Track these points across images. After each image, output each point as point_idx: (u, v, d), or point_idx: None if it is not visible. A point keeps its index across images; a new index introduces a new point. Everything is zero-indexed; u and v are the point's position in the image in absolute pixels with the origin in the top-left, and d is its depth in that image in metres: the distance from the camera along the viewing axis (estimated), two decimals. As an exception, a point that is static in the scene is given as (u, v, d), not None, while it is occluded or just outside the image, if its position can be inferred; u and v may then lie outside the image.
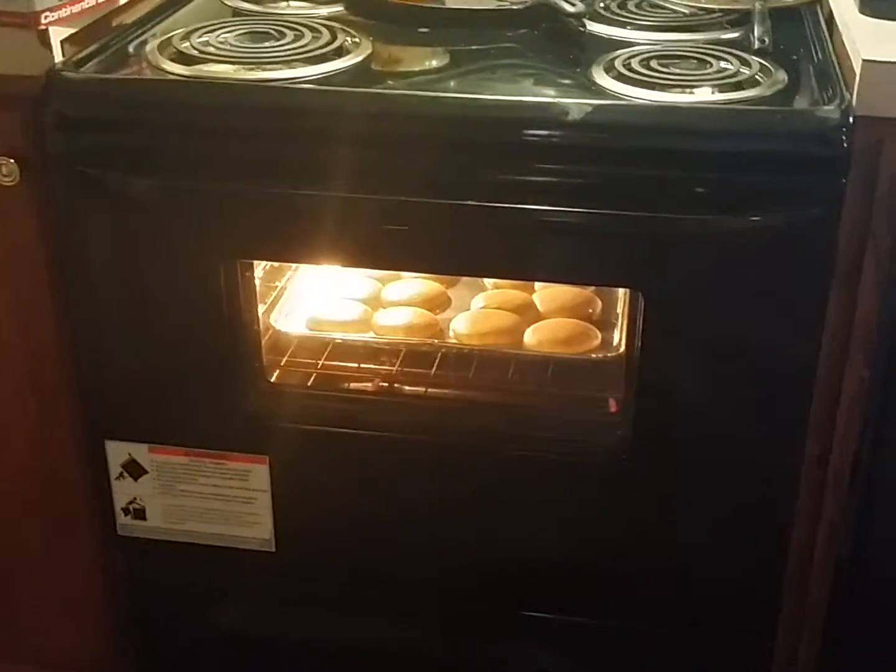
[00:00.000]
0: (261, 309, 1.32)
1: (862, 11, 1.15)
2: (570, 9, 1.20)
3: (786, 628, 1.28)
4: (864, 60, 1.02)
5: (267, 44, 1.17)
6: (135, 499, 1.28)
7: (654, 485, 1.18)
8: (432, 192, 1.05)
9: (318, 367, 1.32)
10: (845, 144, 0.99)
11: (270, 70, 1.11)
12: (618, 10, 1.27)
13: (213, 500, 1.26)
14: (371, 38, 1.20)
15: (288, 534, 1.27)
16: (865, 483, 1.19)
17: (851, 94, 1.03)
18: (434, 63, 1.21)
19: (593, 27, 1.23)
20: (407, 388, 1.32)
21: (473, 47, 1.22)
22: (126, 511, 1.29)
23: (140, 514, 1.29)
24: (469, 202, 1.04)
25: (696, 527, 1.20)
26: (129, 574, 1.36)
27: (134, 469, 1.26)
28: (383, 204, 1.07)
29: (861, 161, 1.04)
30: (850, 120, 1.00)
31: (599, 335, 1.33)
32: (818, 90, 1.06)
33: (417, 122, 1.06)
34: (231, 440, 1.23)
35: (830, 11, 1.23)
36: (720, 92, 1.06)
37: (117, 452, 1.25)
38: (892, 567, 1.21)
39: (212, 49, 1.15)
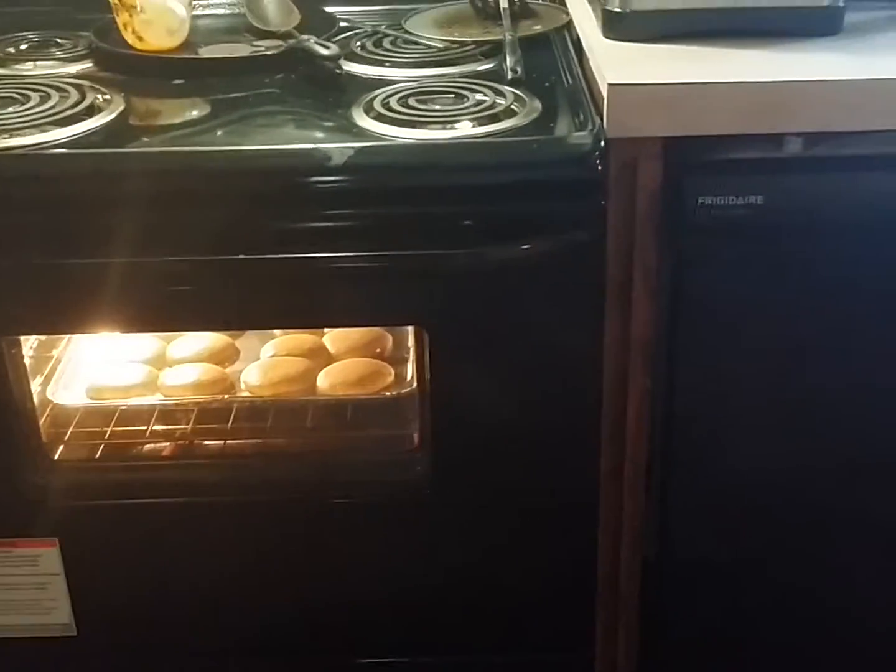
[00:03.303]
0: (37, 382, 1.26)
1: (605, 35, 1.19)
2: (324, 52, 1.20)
3: (602, 638, 1.31)
4: (609, 84, 1.05)
5: (11, 109, 1.11)
6: (-83, 600, 1.20)
7: (459, 514, 1.19)
8: (208, 249, 1.02)
9: (105, 437, 1.27)
10: (600, 167, 1.02)
11: (19, 136, 1.06)
12: (374, 49, 1.28)
13: (3, 590, 1.19)
14: (123, 94, 1.16)
15: (89, 615, 1.21)
16: (659, 488, 1.23)
17: (602, 118, 1.06)
18: (193, 114, 1.18)
19: (351, 67, 1.23)
20: (203, 448, 1.28)
21: (232, 95, 1.19)
22: None
23: (-75, 614, 1.20)
24: (246, 255, 1.02)
25: (505, 550, 1.21)
26: (-79, 681, 1.27)
27: (-88, 569, 1.18)
28: (160, 266, 1.03)
29: (619, 181, 1.08)
30: (602, 143, 1.03)
31: (392, 372, 1.33)
32: (572, 116, 1.09)
33: (179, 179, 1.04)
34: (16, 525, 1.16)
35: (578, 37, 1.27)
36: (479, 125, 1.07)
37: None
38: (695, 566, 1.26)
39: (-48, 119, 1.09)
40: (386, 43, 1.30)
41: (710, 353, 1.14)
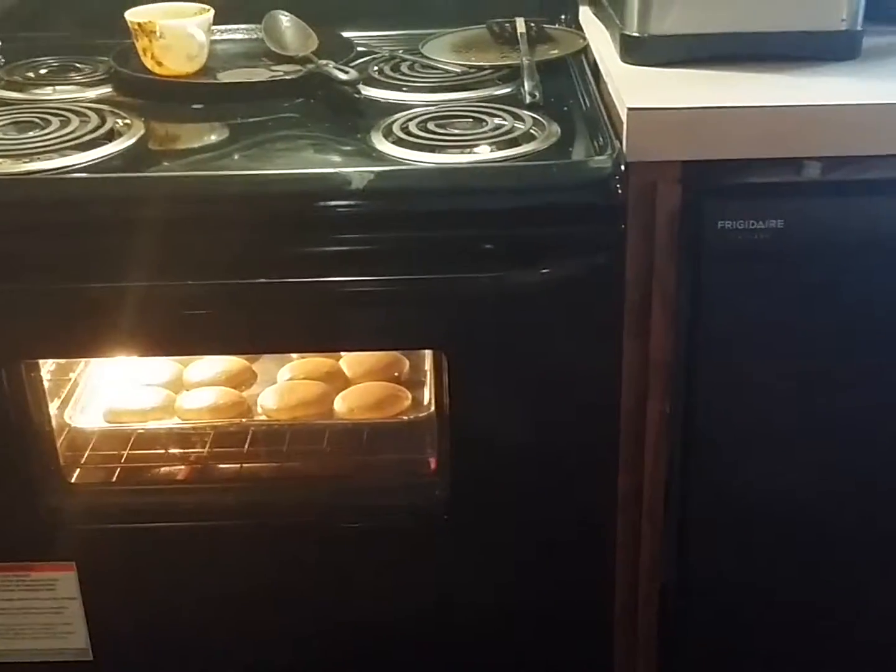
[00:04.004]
0: (54, 405, 1.26)
1: (623, 59, 1.20)
2: (343, 76, 1.20)
3: (621, 663, 1.30)
4: (629, 109, 1.06)
5: (32, 133, 1.12)
6: (-67, 624, 1.19)
7: (477, 538, 1.18)
8: (224, 274, 1.03)
9: (122, 460, 1.26)
10: (620, 191, 1.02)
11: (40, 161, 1.07)
12: (392, 74, 1.28)
13: (20, 614, 1.19)
14: (143, 119, 1.17)
15: (105, 640, 1.21)
16: (678, 511, 1.22)
17: (622, 142, 1.06)
18: (213, 139, 1.19)
19: (369, 92, 1.24)
20: (219, 472, 1.28)
21: (251, 120, 1.20)
22: (-76, 639, 1.20)
23: (-60, 639, 1.20)
24: (265, 279, 1.03)
25: (521, 575, 1.20)
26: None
27: (-71, 594, 1.17)
28: (179, 289, 1.04)
29: (638, 205, 1.08)
30: (622, 167, 1.03)
31: (410, 396, 1.32)
32: (590, 140, 1.10)
33: (200, 203, 1.04)
34: (33, 549, 1.16)
35: (595, 61, 1.28)
36: (498, 149, 1.07)
37: None
38: (713, 591, 1.25)
39: (-28, 144, 1.10)
40: (404, 67, 1.30)
41: (730, 376, 1.14)
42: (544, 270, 1.03)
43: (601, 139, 1.08)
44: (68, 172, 1.06)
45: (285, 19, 1.35)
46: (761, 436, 1.16)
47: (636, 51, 1.18)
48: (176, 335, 1.09)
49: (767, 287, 1.09)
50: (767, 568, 1.23)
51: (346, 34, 1.39)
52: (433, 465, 1.25)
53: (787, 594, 1.24)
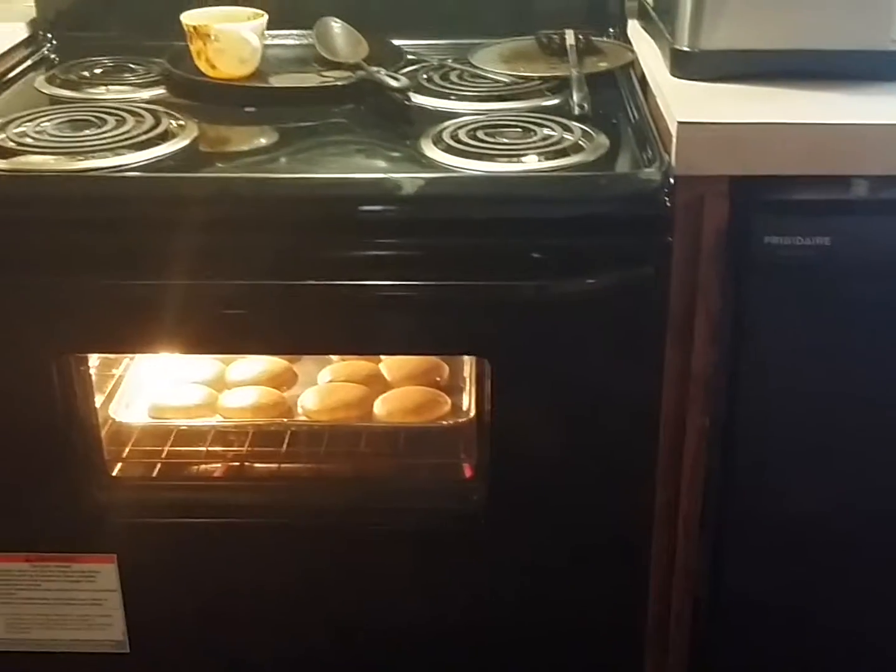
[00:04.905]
0: (98, 400, 1.28)
1: (673, 74, 1.21)
2: (394, 84, 1.22)
3: (651, 675, 1.31)
4: (679, 122, 1.06)
5: (88, 131, 1.14)
6: (-26, 611, 1.21)
7: (512, 545, 1.18)
8: (271, 274, 1.04)
9: (163, 456, 1.28)
10: (668, 204, 1.03)
11: (94, 159, 1.08)
12: (441, 82, 1.29)
13: (60, 604, 1.21)
14: (196, 120, 1.18)
15: (142, 633, 1.22)
16: (715, 526, 1.22)
17: (670, 155, 1.07)
18: (263, 142, 1.20)
19: (419, 99, 1.25)
20: (257, 470, 1.29)
21: (301, 124, 1.21)
22: (-35, 626, 1.22)
23: (-19, 627, 1.22)
24: (309, 282, 1.04)
25: (557, 582, 1.21)
26: (-27, 692, 1.28)
27: (-29, 581, 1.19)
28: (222, 289, 1.05)
29: (685, 218, 1.08)
30: (671, 180, 1.04)
31: (449, 401, 1.33)
32: (639, 152, 1.10)
33: (252, 205, 1.05)
34: (75, 541, 1.18)
35: (643, 74, 1.28)
36: (546, 159, 1.08)
37: (-48, 565, 1.19)
38: (747, 608, 1.25)
39: (29, 140, 1.11)
40: (453, 76, 1.31)
41: (771, 392, 1.14)
42: (590, 280, 1.04)
43: (649, 152, 1.08)
44: (122, 171, 1.08)
45: (336, 26, 1.37)
46: (801, 452, 1.16)
47: (686, 65, 1.19)
48: (220, 334, 1.10)
49: (812, 303, 1.09)
50: (804, 587, 1.23)
51: (395, 42, 1.41)
52: (469, 471, 1.26)
53: (825, 615, 1.24)
